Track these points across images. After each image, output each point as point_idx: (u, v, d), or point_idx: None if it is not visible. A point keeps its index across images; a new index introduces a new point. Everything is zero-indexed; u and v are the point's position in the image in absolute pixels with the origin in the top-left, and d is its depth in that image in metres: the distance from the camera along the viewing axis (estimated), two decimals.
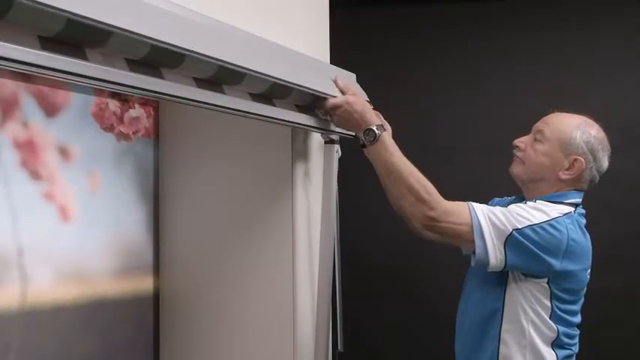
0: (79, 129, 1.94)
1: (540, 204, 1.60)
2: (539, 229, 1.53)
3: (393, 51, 2.90)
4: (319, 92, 1.62)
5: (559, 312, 1.59)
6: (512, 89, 2.81)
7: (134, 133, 2.12)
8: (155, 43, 1.12)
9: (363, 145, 1.63)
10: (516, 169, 1.72)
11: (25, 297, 1.77)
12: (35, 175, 1.80)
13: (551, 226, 1.54)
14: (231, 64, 1.31)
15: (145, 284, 2.15)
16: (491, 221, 1.54)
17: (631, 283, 2.65)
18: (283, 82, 1.48)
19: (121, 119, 2.07)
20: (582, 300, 1.69)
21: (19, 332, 1.75)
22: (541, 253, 1.53)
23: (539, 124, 1.71)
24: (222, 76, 1.33)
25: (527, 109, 2.81)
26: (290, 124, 1.64)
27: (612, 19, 2.77)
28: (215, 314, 2.03)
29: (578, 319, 1.67)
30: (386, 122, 1.71)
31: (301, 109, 1.68)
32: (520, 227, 1.52)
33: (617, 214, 2.67)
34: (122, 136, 2.08)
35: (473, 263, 1.58)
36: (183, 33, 1.21)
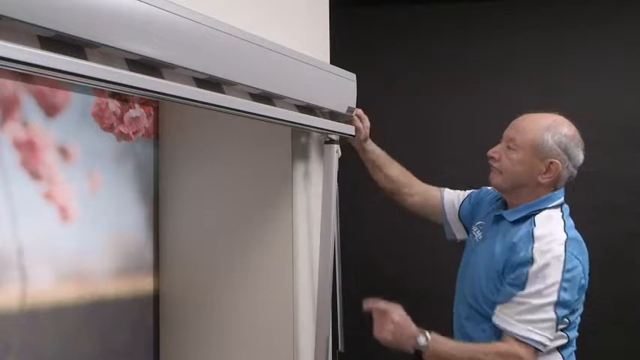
0: (79, 129, 1.94)
1: (543, 249, 1.56)
2: (566, 284, 1.54)
3: (393, 51, 2.90)
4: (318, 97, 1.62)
5: (572, 323, 1.61)
6: (512, 89, 2.81)
7: (134, 133, 2.12)
8: (145, 55, 1.13)
9: (420, 354, 1.63)
10: (496, 180, 1.71)
11: (25, 297, 1.77)
12: (35, 175, 1.81)
13: (569, 271, 1.54)
14: (230, 72, 1.31)
15: (145, 284, 2.15)
16: (542, 330, 1.53)
17: (630, 284, 2.65)
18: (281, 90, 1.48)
19: (121, 119, 2.07)
20: (581, 308, 1.70)
21: (19, 332, 1.75)
22: (577, 292, 1.58)
23: (509, 132, 1.70)
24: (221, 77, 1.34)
25: (528, 108, 2.82)
26: (290, 124, 1.64)
27: (612, 19, 2.77)
28: (215, 314, 2.03)
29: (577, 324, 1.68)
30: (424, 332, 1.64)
31: (301, 109, 1.68)
32: (555, 299, 1.52)
33: (617, 214, 2.67)
34: (122, 136, 2.08)
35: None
36: (180, 43, 1.21)
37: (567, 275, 1.53)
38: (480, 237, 1.77)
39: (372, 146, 2.02)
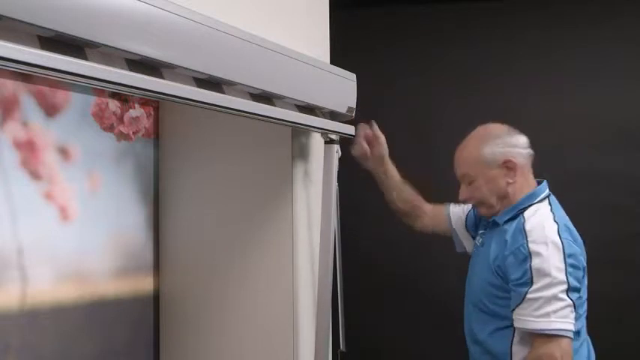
0: (79, 129, 1.94)
1: (538, 240, 1.59)
2: (570, 269, 1.56)
3: (393, 51, 2.90)
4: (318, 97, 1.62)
5: (578, 308, 1.60)
6: (512, 89, 2.81)
7: (134, 133, 2.12)
8: (145, 55, 1.13)
9: None
10: (484, 211, 1.77)
11: (25, 297, 1.77)
12: (35, 175, 1.81)
13: (571, 256, 1.57)
14: (230, 72, 1.31)
15: (145, 284, 2.15)
16: (563, 316, 1.55)
17: (631, 284, 2.65)
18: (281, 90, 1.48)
19: (121, 119, 2.07)
20: (585, 298, 1.71)
21: (19, 332, 1.75)
22: (579, 266, 1.60)
23: (458, 171, 1.78)
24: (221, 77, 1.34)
25: (528, 108, 2.83)
26: (290, 124, 1.64)
27: (612, 19, 2.77)
28: (215, 314, 2.03)
29: (584, 314, 1.70)
30: None
31: (301, 109, 1.68)
32: (567, 286, 1.54)
33: (617, 214, 2.67)
34: (122, 136, 2.08)
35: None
36: (179, 43, 1.21)
37: (570, 260, 1.56)
38: (480, 242, 1.82)
39: (391, 171, 2.06)
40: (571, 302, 1.53)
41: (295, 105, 1.65)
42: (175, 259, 2.15)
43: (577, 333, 1.62)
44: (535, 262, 1.55)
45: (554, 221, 1.62)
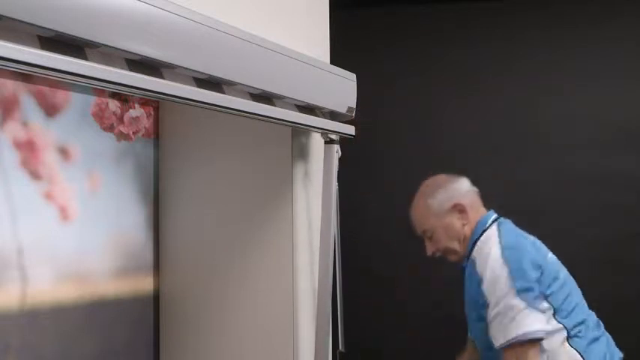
0: (79, 129, 1.94)
1: (490, 273, 1.65)
2: (515, 274, 1.61)
3: (393, 51, 2.90)
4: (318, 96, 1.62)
5: (560, 307, 1.64)
6: (512, 89, 2.81)
7: (134, 133, 2.12)
8: (145, 55, 1.13)
9: None
10: (453, 259, 1.84)
11: (25, 297, 1.77)
12: (35, 175, 1.81)
13: (512, 262, 1.63)
14: (230, 72, 1.31)
15: (145, 284, 2.15)
16: (526, 317, 1.59)
17: (631, 284, 2.65)
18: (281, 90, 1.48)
19: (121, 119, 2.07)
20: (577, 292, 1.73)
21: (19, 332, 1.75)
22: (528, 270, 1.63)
23: (417, 229, 1.87)
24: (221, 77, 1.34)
25: (528, 108, 2.83)
26: (290, 124, 1.64)
27: (612, 19, 2.77)
28: (215, 314, 2.03)
29: (584, 312, 1.71)
30: None
31: (301, 109, 1.68)
32: (515, 291, 1.59)
33: (617, 214, 2.67)
34: (122, 136, 2.08)
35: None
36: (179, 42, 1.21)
37: (513, 265, 1.61)
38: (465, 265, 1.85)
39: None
40: (523, 303, 1.57)
41: (295, 105, 1.65)
42: (175, 259, 2.15)
43: (574, 333, 1.64)
44: (485, 284, 1.64)
45: (498, 237, 1.69)
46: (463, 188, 1.82)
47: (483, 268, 1.66)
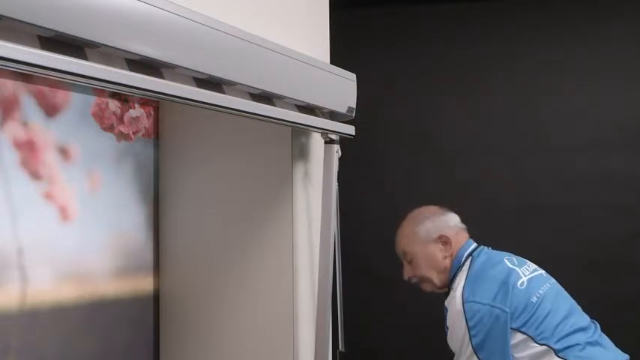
0: (79, 129, 1.94)
1: (452, 326, 1.70)
2: (474, 331, 1.64)
3: (393, 51, 2.90)
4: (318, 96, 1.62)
5: (537, 331, 1.64)
6: (512, 89, 2.81)
7: (134, 133, 2.12)
8: (145, 55, 1.13)
9: None
10: (428, 288, 1.88)
11: (25, 297, 1.77)
12: (35, 175, 1.81)
13: (472, 319, 1.65)
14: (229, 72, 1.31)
15: (145, 284, 2.15)
16: None
17: (631, 284, 2.65)
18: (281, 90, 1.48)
19: (121, 119, 2.07)
20: (563, 303, 1.72)
21: (19, 332, 1.75)
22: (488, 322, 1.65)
23: (398, 252, 1.89)
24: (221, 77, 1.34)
25: (527, 108, 2.83)
26: (290, 124, 1.64)
27: (612, 19, 2.77)
28: (215, 314, 2.03)
29: (571, 323, 1.69)
30: None
31: (301, 109, 1.68)
32: (472, 348, 1.64)
33: (617, 214, 2.67)
34: (122, 136, 2.08)
35: None
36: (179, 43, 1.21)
37: (471, 323, 1.65)
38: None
39: None
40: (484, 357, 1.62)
41: (295, 105, 1.65)
42: (175, 259, 2.15)
43: (561, 349, 1.63)
44: (448, 336, 1.72)
45: (465, 280, 1.71)
46: (451, 222, 1.86)
47: (448, 319, 1.72)
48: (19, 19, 0.93)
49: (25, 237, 1.77)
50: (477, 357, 1.63)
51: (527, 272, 1.74)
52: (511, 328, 1.64)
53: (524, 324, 1.64)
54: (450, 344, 1.73)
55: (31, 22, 0.94)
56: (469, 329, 1.64)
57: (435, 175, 2.47)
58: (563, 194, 2.72)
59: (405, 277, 1.90)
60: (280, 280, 1.88)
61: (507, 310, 1.64)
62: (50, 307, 1.84)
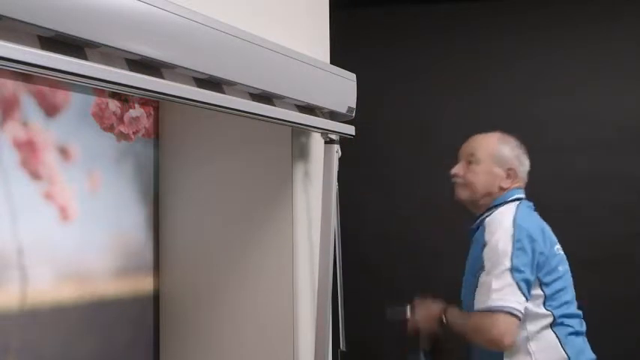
0: (79, 129, 1.94)
1: (495, 241, 1.67)
2: (518, 252, 1.64)
3: (393, 51, 2.90)
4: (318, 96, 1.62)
5: (552, 294, 1.68)
6: (512, 89, 2.81)
7: (134, 133, 2.12)
8: (144, 55, 1.13)
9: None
10: (463, 194, 1.85)
11: (25, 297, 1.77)
12: (35, 175, 1.80)
13: (519, 241, 1.65)
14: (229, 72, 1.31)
15: (145, 284, 2.15)
16: (503, 294, 1.62)
17: (631, 284, 2.65)
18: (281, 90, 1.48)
19: (121, 119, 2.07)
20: (571, 289, 1.76)
21: (19, 332, 1.75)
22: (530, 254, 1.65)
23: (467, 149, 1.87)
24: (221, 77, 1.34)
25: (528, 108, 2.83)
26: (290, 124, 1.64)
27: (612, 19, 2.77)
28: (215, 314, 2.03)
29: (569, 296, 1.74)
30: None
31: (301, 109, 1.68)
32: (510, 266, 1.62)
33: (617, 214, 2.67)
34: (122, 136, 2.08)
35: None
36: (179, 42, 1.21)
37: (517, 244, 1.64)
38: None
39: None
40: (513, 282, 1.61)
41: (295, 105, 1.65)
42: (175, 259, 2.15)
43: (559, 321, 1.67)
44: (486, 249, 1.67)
45: (513, 219, 1.70)
46: (526, 167, 1.85)
47: (491, 235, 1.68)
48: (19, 19, 0.93)
49: (25, 237, 1.76)
50: (512, 275, 1.61)
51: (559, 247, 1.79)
52: (536, 278, 1.66)
53: (547, 282, 1.67)
54: (483, 260, 1.67)
55: (31, 22, 0.94)
56: (513, 248, 1.63)
57: (435, 175, 2.46)
58: (563, 194, 2.72)
59: (453, 171, 1.86)
60: (280, 280, 1.88)
61: (544, 250, 1.68)
62: (50, 307, 1.84)
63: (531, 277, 1.64)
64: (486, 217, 1.77)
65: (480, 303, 1.64)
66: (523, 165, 1.85)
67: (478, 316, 1.64)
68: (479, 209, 1.84)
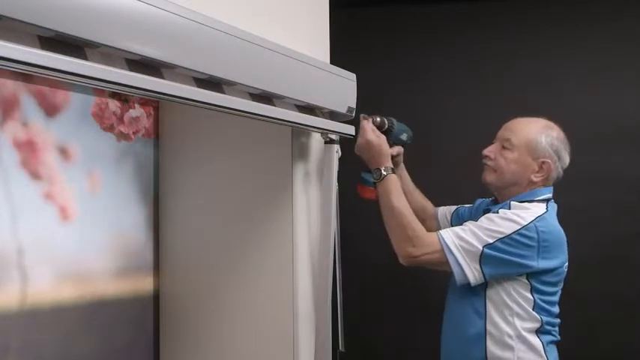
0: (79, 129, 1.94)
1: (510, 213, 1.65)
2: (510, 241, 1.60)
3: (393, 51, 2.90)
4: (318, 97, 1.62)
5: (541, 303, 1.66)
6: (512, 89, 2.81)
7: (134, 133, 2.12)
8: (145, 55, 1.13)
9: (374, 183, 1.81)
10: (489, 177, 1.80)
11: (25, 297, 1.77)
12: (35, 175, 1.81)
13: (522, 235, 1.61)
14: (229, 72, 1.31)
15: (145, 284, 2.15)
16: (461, 247, 1.63)
17: (631, 284, 2.65)
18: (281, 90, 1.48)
19: (121, 119, 2.07)
20: (560, 292, 1.75)
21: (19, 332, 1.75)
22: (517, 259, 1.62)
23: (504, 133, 1.79)
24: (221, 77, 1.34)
25: (528, 108, 2.82)
26: (290, 124, 1.64)
27: (612, 19, 2.77)
28: (215, 314, 2.03)
29: (556, 309, 1.73)
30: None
31: (301, 109, 1.68)
32: (491, 242, 1.60)
33: (618, 214, 2.67)
34: (122, 136, 2.08)
35: (457, 283, 1.67)
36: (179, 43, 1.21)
37: (517, 237, 1.60)
38: None
39: (404, 172, 2.06)
40: (478, 251, 1.59)
41: (295, 105, 1.65)
42: (175, 259, 2.15)
43: (544, 328, 1.67)
44: (490, 214, 1.66)
45: (541, 215, 1.65)
46: (565, 162, 1.76)
47: (504, 212, 1.64)
48: (19, 19, 0.93)
49: (25, 237, 1.77)
50: (483, 249, 1.59)
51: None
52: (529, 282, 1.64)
53: (541, 292, 1.65)
54: (474, 223, 1.67)
55: (31, 22, 0.94)
56: (512, 234, 1.59)
57: (435, 175, 2.46)
58: (564, 194, 2.72)
59: (485, 152, 1.80)
60: (280, 280, 1.88)
61: (536, 264, 1.64)
62: (50, 307, 1.84)
63: (527, 258, 1.61)
64: (510, 203, 1.71)
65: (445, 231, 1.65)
66: (561, 160, 1.75)
67: (418, 223, 1.66)
68: (502, 197, 1.78)
